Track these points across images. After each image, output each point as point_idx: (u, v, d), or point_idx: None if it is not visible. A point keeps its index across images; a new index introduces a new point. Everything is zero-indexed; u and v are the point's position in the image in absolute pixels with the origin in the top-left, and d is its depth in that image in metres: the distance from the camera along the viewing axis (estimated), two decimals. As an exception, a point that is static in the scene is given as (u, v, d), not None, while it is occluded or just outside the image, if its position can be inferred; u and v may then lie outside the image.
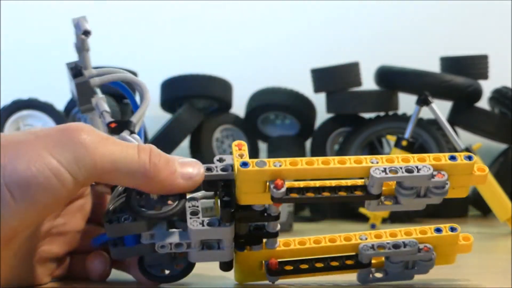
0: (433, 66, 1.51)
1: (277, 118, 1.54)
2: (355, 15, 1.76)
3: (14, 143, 0.42)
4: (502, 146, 1.52)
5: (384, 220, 1.27)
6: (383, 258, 0.53)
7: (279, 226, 0.51)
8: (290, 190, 0.49)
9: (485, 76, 1.50)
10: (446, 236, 0.54)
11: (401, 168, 0.48)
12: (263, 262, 0.52)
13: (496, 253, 0.97)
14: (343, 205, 1.42)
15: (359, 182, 0.49)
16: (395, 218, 1.33)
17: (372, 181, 0.48)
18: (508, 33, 1.70)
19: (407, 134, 1.21)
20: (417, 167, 0.48)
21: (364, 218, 1.26)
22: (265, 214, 0.50)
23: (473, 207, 1.49)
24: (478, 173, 0.50)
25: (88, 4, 1.67)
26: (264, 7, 1.75)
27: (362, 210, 1.25)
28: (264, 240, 0.51)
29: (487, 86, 1.50)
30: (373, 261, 0.52)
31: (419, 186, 0.49)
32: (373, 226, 1.23)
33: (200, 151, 1.51)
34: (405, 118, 1.39)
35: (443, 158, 0.49)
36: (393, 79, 1.47)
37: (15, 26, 1.74)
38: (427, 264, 0.53)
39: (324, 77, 1.50)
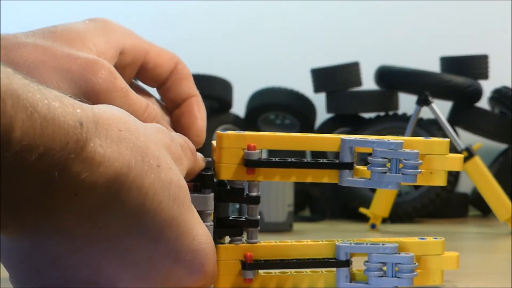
0: (433, 66, 1.51)
1: (277, 118, 1.54)
2: (355, 15, 1.76)
3: None
4: (502, 146, 1.52)
5: (384, 220, 1.26)
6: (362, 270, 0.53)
7: (259, 217, 0.51)
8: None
9: (485, 76, 1.50)
10: (430, 243, 0.54)
11: (372, 140, 0.51)
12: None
13: (496, 253, 0.97)
14: (343, 205, 1.42)
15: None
16: (395, 218, 1.33)
17: (343, 148, 0.50)
18: (508, 33, 1.70)
19: (407, 134, 1.21)
20: (388, 140, 0.51)
21: (364, 218, 1.26)
22: (245, 195, 0.51)
23: (473, 207, 1.49)
24: (452, 155, 0.52)
25: (89, 3, 1.67)
26: (264, 7, 1.75)
27: (362, 210, 1.25)
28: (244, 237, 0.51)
29: (487, 86, 1.50)
30: (354, 271, 0.52)
31: (390, 158, 0.51)
32: (373, 226, 1.22)
33: (200, 151, 1.51)
34: (405, 118, 1.39)
35: (419, 138, 0.52)
36: (393, 79, 1.47)
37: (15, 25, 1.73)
38: (410, 273, 0.53)
39: (324, 77, 1.50)
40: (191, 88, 0.58)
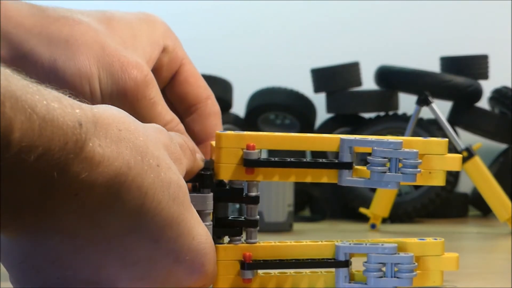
0: (433, 66, 1.51)
1: (277, 118, 1.54)
2: (355, 15, 1.76)
3: None
4: (502, 146, 1.52)
5: (384, 220, 1.27)
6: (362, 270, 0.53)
7: (258, 217, 0.51)
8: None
9: (485, 76, 1.50)
10: (429, 243, 0.54)
11: (372, 140, 0.51)
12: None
13: (496, 253, 0.98)
14: (343, 205, 1.42)
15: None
16: (395, 218, 1.33)
17: (342, 148, 0.50)
18: (508, 33, 1.70)
19: (407, 134, 1.21)
20: (388, 140, 0.51)
21: (364, 218, 1.26)
22: (244, 195, 0.51)
23: (473, 207, 1.49)
24: (451, 155, 0.52)
25: (90, 3, 1.67)
26: (264, 7, 1.75)
27: (362, 210, 1.25)
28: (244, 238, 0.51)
29: (487, 86, 1.50)
30: (353, 272, 0.52)
31: (389, 158, 0.50)
32: (373, 226, 1.23)
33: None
34: (405, 118, 1.39)
35: (418, 138, 0.53)
36: (393, 79, 1.47)
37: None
38: (409, 273, 0.52)
39: (324, 77, 1.50)
40: (218, 126, 0.58)
